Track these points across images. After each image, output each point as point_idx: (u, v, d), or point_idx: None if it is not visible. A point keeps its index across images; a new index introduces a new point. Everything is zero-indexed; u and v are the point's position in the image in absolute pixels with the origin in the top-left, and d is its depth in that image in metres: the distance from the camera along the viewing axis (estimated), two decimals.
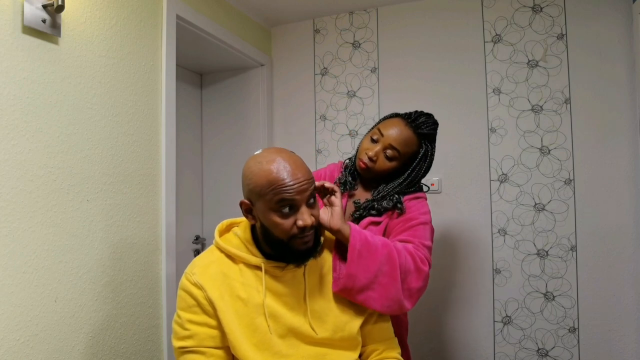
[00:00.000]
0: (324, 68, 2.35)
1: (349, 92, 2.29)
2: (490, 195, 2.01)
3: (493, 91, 2.02)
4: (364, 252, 1.00)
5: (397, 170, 1.21)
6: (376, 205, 1.19)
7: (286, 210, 0.88)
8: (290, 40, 2.44)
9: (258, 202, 0.89)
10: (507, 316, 1.98)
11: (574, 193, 1.89)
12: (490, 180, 2.01)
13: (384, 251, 1.01)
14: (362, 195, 1.28)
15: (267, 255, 0.96)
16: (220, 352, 0.93)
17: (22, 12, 1.12)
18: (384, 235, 1.18)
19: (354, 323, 1.00)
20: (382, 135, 1.19)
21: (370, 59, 2.25)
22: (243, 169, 0.93)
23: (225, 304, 0.92)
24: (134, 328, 1.47)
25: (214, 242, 1.01)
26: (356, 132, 2.26)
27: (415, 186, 1.24)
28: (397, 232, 1.15)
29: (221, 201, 2.44)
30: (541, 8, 1.95)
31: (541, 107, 1.94)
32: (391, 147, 1.18)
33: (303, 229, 0.88)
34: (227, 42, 2.06)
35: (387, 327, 1.08)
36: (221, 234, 1.04)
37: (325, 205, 1.03)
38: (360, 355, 1.05)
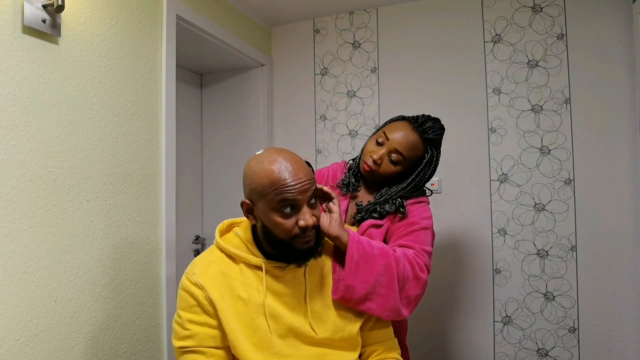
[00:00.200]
0: (324, 68, 2.35)
1: (349, 92, 2.29)
2: (490, 195, 2.01)
3: (493, 91, 2.02)
4: (361, 264, 1.00)
5: (400, 174, 1.20)
6: (378, 209, 1.18)
7: (288, 210, 0.88)
8: (290, 40, 2.44)
9: (259, 202, 0.89)
10: (507, 316, 1.98)
11: (574, 193, 1.89)
12: (490, 180, 2.01)
13: (382, 261, 1.01)
14: (364, 197, 1.27)
15: (267, 255, 0.97)
16: (220, 352, 0.93)
17: (22, 12, 1.12)
18: (385, 238, 1.18)
19: (354, 324, 1.00)
20: (387, 138, 1.18)
21: (370, 59, 2.25)
22: (244, 169, 0.93)
23: (226, 303, 0.92)
24: (134, 328, 1.47)
25: (214, 242, 1.01)
26: (356, 132, 2.26)
27: (418, 191, 1.23)
28: (398, 236, 1.14)
29: (221, 201, 2.44)
30: (541, 8, 1.95)
31: (541, 107, 1.94)
32: (396, 151, 1.16)
33: (304, 229, 0.88)
34: (227, 42, 2.06)
35: (387, 328, 1.08)
36: (222, 234, 1.04)
37: (324, 210, 1.03)
38: (360, 356, 1.05)
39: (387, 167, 1.18)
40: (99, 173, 1.35)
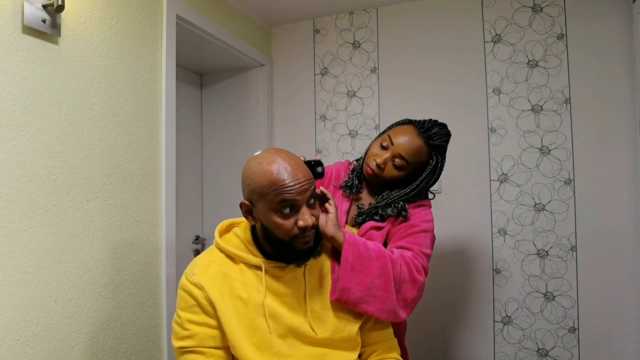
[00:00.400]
0: (324, 68, 2.35)
1: (349, 92, 2.29)
2: (490, 195, 2.01)
3: (493, 91, 2.02)
4: (357, 266, 1.00)
5: (404, 178, 1.19)
6: (380, 212, 1.18)
7: (287, 210, 0.88)
8: (290, 40, 2.44)
9: (259, 202, 0.90)
10: (507, 316, 1.98)
11: (574, 193, 1.89)
12: (490, 180, 2.01)
13: (378, 264, 1.01)
14: (366, 198, 1.27)
15: (267, 255, 0.97)
16: (220, 352, 0.93)
17: (22, 12, 1.12)
18: (385, 240, 1.17)
19: (353, 324, 1.00)
20: (392, 143, 1.16)
21: (370, 59, 2.25)
22: (243, 170, 0.93)
23: (226, 304, 0.92)
24: (134, 328, 1.47)
25: (214, 242, 1.02)
26: (356, 132, 2.26)
27: (421, 197, 1.22)
28: (397, 237, 1.14)
29: (221, 201, 2.44)
30: (541, 8, 1.95)
31: (541, 107, 1.94)
32: (400, 156, 1.15)
33: (304, 229, 0.88)
34: (227, 42, 2.06)
35: (387, 328, 1.08)
36: (221, 234, 1.04)
37: (322, 211, 1.03)
38: (359, 356, 1.05)
39: (390, 172, 1.17)
40: (99, 173, 1.36)
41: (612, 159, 1.84)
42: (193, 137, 2.47)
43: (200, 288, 0.92)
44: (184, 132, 2.34)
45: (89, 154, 1.32)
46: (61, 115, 1.24)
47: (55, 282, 1.21)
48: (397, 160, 1.15)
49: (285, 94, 2.44)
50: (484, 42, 2.04)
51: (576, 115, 1.89)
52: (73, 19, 1.28)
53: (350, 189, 1.26)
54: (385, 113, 2.21)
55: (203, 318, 0.92)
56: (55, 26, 1.19)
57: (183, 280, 0.95)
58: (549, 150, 1.93)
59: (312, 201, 0.91)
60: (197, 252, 2.42)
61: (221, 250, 0.99)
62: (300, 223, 0.88)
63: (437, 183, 1.26)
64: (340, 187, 1.28)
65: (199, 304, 0.92)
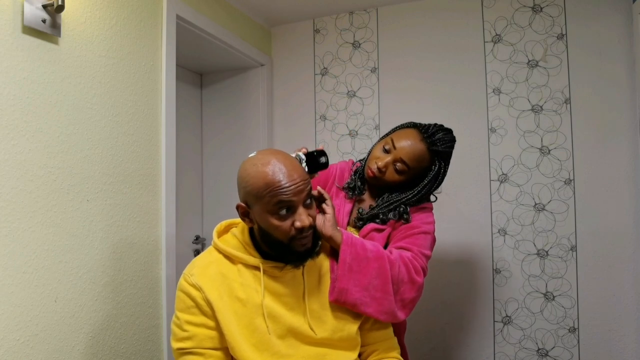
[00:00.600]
0: (324, 68, 2.35)
1: (349, 92, 2.29)
2: (490, 195, 2.01)
3: (493, 91, 2.02)
4: (354, 266, 0.99)
5: (405, 182, 1.18)
6: (381, 216, 1.17)
7: (283, 212, 0.87)
8: (290, 40, 2.44)
9: (255, 204, 0.89)
10: (507, 316, 1.98)
11: (574, 193, 1.89)
12: (490, 180, 2.01)
13: (375, 264, 1.01)
14: (369, 200, 1.26)
15: (265, 255, 0.96)
16: (219, 353, 0.93)
17: (22, 12, 1.12)
18: (386, 242, 1.17)
19: (352, 324, 1.00)
20: (394, 147, 1.15)
21: (370, 59, 2.25)
22: (238, 172, 0.93)
23: (224, 304, 0.92)
24: (134, 328, 1.47)
25: (212, 243, 1.01)
26: (356, 132, 2.26)
27: (422, 202, 1.21)
28: (398, 238, 1.14)
29: (221, 201, 2.44)
30: (541, 8, 1.95)
31: (541, 107, 1.94)
32: (401, 161, 1.13)
33: (301, 229, 0.88)
34: (227, 42, 2.06)
35: (387, 328, 1.08)
36: (219, 234, 1.04)
37: (319, 211, 1.03)
38: (359, 355, 1.05)
39: (391, 176, 1.16)
40: (99, 173, 1.35)
41: (612, 159, 1.84)
42: (193, 137, 2.47)
43: (199, 289, 0.92)
44: (184, 132, 2.34)
45: (89, 154, 1.32)
46: (61, 115, 1.24)
47: (55, 282, 1.21)
48: (399, 165, 1.14)
49: (285, 94, 2.44)
50: (484, 42, 2.04)
51: (576, 115, 1.89)
52: (73, 19, 1.28)
53: (353, 191, 1.24)
54: (385, 113, 2.21)
55: (201, 319, 0.92)
56: (55, 26, 1.19)
57: (181, 281, 0.95)
58: (549, 150, 1.93)
59: (308, 201, 0.91)
60: (197, 252, 2.42)
61: (219, 251, 0.99)
62: (297, 224, 0.88)
63: None
64: (343, 188, 1.27)
65: (197, 305, 0.92)
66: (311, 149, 1.07)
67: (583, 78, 1.88)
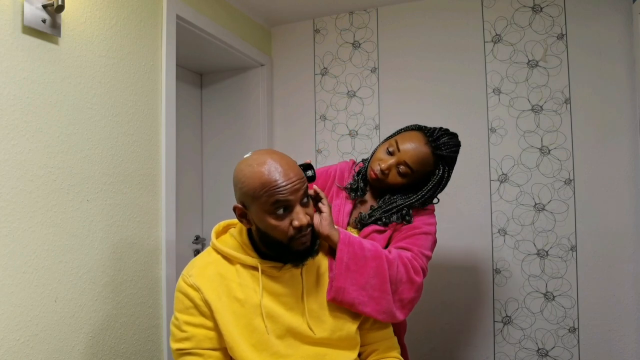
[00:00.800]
0: (324, 68, 2.35)
1: (349, 92, 2.29)
2: (490, 195, 2.01)
3: (493, 91, 2.02)
4: (351, 266, 0.99)
5: (407, 185, 1.18)
6: (383, 219, 1.17)
7: (281, 211, 0.87)
8: (290, 40, 2.44)
9: (252, 205, 0.89)
10: (507, 316, 1.98)
11: (574, 193, 1.89)
12: (490, 180, 2.01)
13: (373, 264, 1.00)
14: (371, 201, 1.26)
15: (263, 256, 0.96)
16: (217, 354, 0.93)
17: (22, 12, 1.12)
18: (387, 243, 1.16)
19: (352, 323, 1.00)
20: (398, 149, 1.14)
21: (370, 59, 2.25)
22: (234, 173, 0.92)
23: (223, 305, 0.92)
24: (134, 328, 1.47)
25: (210, 243, 1.01)
26: (356, 132, 2.26)
27: (425, 205, 1.21)
28: (398, 239, 1.14)
29: (221, 201, 2.44)
30: (541, 8, 1.95)
31: (541, 107, 1.94)
32: (405, 164, 1.13)
33: (299, 228, 0.88)
34: (227, 42, 2.06)
35: (387, 328, 1.08)
36: (218, 235, 1.04)
37: (316, 210, 1.02)
38: (359, 355, 1.04)
39: (394, 178, 1.15)
40: (99, 173, 1.36)
41: (612, 159, 1.84)
42: (193, 137, 2.47)
43: (197, 289, 0.92)
44: (184, 132, 2.34)
45: (89, 154, 1.32)
46: (61, 115, 1.24)
47: (55, 282, 1.21)
48: (402, 168, 1.13)
49: (285, 94, 2.44)
50: (484, 42, 2.04)
51: (576, 115, 1.89)
52: (73, 19, 1.28)
53: (355, 192, 1.23)
54: (385, 113, 2.21)
55: (200, 320, 0.92)
56: (55, 26, 1.19)
57: (180, 282, 0.95)
58: (549, 150, 1.93)
59: (305, 200, 0.91)
60: (197, 252, 2.42)
61: (218, 251, 0.99)
62: (295, 223, 0.87)
63: None
64: (345, 188, 1.26)
65: (195, 306, 0.92)
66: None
67: (583, 78, 1.88)
